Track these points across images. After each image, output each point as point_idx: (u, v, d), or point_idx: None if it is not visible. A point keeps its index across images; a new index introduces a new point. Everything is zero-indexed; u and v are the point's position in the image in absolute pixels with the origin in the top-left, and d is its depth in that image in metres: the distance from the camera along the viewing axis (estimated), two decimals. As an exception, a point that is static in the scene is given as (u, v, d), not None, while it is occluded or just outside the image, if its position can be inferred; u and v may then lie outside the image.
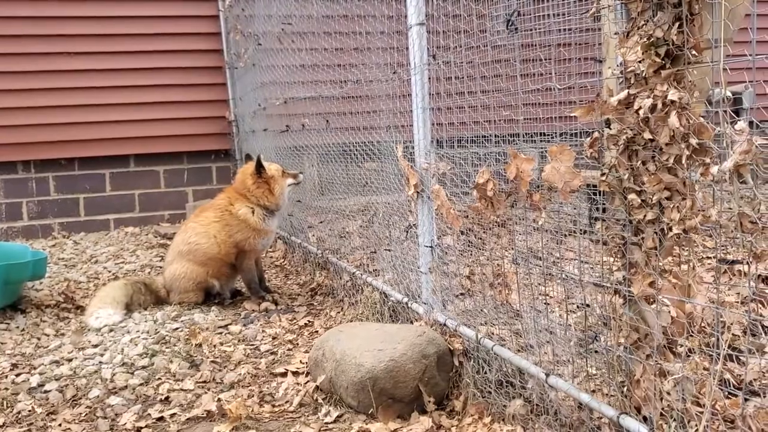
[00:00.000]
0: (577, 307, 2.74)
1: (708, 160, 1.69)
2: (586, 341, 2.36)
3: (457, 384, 2.88)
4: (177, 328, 3.99)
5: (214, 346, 3.72)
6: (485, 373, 2.74)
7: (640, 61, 1.80)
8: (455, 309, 3.14)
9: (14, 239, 7.47)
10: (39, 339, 3.97)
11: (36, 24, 7.49)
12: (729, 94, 1.67)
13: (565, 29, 2.53)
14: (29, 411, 3.01)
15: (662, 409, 1.90)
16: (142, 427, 2.83)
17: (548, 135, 2.55)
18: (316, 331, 3.95)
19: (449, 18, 2.98)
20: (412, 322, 3.30)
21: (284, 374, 3.31)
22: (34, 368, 3.48)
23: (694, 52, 1.72)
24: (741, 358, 2.28)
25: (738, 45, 1.89)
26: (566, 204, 2.23)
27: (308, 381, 3.16)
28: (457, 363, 2.90)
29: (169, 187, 8.19)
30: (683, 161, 1.73)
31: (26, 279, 4.63)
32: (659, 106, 1.75)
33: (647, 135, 1.79)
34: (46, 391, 3.20)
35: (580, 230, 2.32)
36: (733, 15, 1.69)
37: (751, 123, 1.59)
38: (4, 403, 3.08)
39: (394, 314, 3.62)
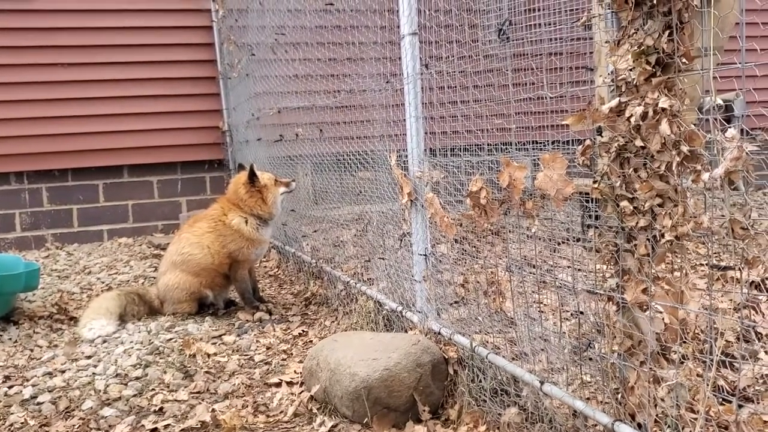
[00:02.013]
0: (571, 314, 2.74)
1: (699, 167, 1.70)
2: (580, 349, 2.36)
3: (452, 393, 2.88)
4: (171, 339, 3.97)
5: (208, 356, 3.71)
6: (480, 381, 2.73)
7: (631, 69, 1.81)
8: (450, 317, 3.14)
9: (7, 251, 7.43)
10: (32, 351, 3.95)
11: (29, 35, 7.48)
12: (720, 102, 1.69)
13: (556, 38, 2.55)
14: (22, 423, 3.00)
15: (656, 415, 1.90)
16: (135, 439, 2.82)
17: (541, 143, 2.56)
18: (311, 341, 3.94)
19: (442, 28, 3.00)
20: (406, 331, 3.30)
21: (278, 384, 3.30)
22: (27, 380, 3.46)
23: (684, 60, 1.73)
24: (734, 364, 2.28)
25: (728, 53, 1.90)
26: (559, 212, 2.24)
27: (303, 391, 3.15)
28: (451, 371, 2.90)
29: (163, 197, 8.17)
30: (674, 168, 1.74)
31: (19, 290, 4.60)
32: (650, 113, 1.76)
33: (639, 142, 1.80)
34: (39, 403, 3.18)
35: (574, 238, 2.33)
36: (723, 23, 1.71)
37: (742, 131, 1.60)
38: (-3, 415, 3.07)
39: (388, 323, 3.62)
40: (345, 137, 4.48)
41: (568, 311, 2.72)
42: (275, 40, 5.68)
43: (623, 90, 1.85)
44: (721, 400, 1.94)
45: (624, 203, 1.89)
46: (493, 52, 2.76)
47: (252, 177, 4.50)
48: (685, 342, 1.88)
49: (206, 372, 3.50)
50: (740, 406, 1.80)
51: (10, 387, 3.38)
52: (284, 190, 4.66)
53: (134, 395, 3.23)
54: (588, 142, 1.98)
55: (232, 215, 4.52)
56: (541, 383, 2.33)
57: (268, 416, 2.97)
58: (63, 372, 3.54)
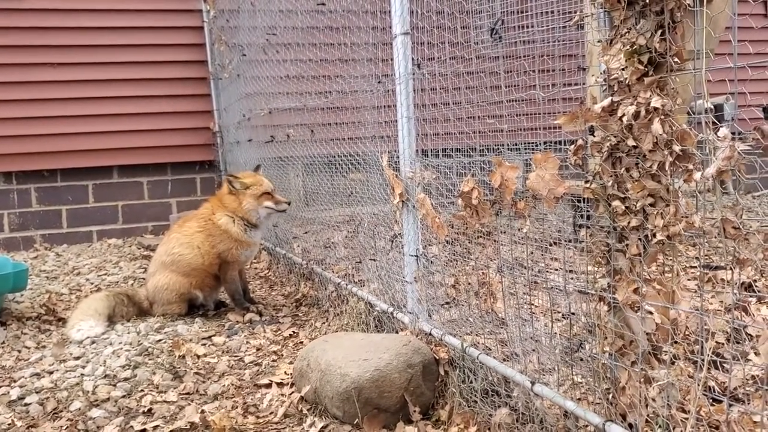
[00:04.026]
0: (563, 315, 2.74)
1: (691, 167, 1.70)
2: (571, 349, 2.36)
3: (443, 393, 2.87)
4: (160, 340, 3.95)
5: (198, 357, 3.69)
6: (471, 382, 2.73)
7: (623, 69, 1.81)
8: (441, 318, 3.13)
9: (-5, 251, 7.39)
10: (19, 351, 3.92)
11: (18, 34, 7.44)
12: (710, 105, 1.69)
13: (549, 37, 2.55)
14: (9, 424, 2.97)
15: (647, 415, 1.90)
16: (124, 440, 2.80)
17: (534, 144, 2.56)
18: (301, 342, 3.92)
19: (434, 29, 2.99)
20: (397, 332, 3.29)
21: (269, 385, 3.28)
22: (14, 381, 3.43)
23: (676, 59, 1.73)
24: (724, 365, 2.29)
25: (720, 57, 1.91)
26: (551, 212, 2.23)
27: (293, 392, 3.13)
28: (442, 372, 2.89)
29: (153, 198, 8.13)
30: (666, 168, 1.74)
31: (7, 291, 4.57)
32: (642, 113, 1.76)
33: (631, 142, 1.80)
34: (26, 404, 3.15)
35: (566, 239, 2.33)
36: (714, 25, 1.71)
37: (733, 133, 1.60)
38: (-17, 416, 3.04)
39: (379, 324, 3.61)
40: (336, 138, 4.47)
41: (559, 312, 2.72)
42: (266, 41, 5.67)
43: (615, 89, 1.85)
44: (711, 400, 1.94)
45: (616, 203, 1.89)
46: (485, 52, 2.76)
47: (232, 185, 4.47)
48: (676, 342, 1.88)
49: (196, 373, 3.47)
50: (730, 406, 1.80)
51: (-3, 388, 3.35)
52: (269, 205, 4.50)
53: (123, 396, 3.21)
54: (580, 141, 1.98)
55: (219, 214, 4.49)
56: (532, 384, 2.33)
57: (258, 417, 2.95)
58: (51, 373, 3.51)
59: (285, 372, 3.39)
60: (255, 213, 4.49)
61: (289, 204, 4.60)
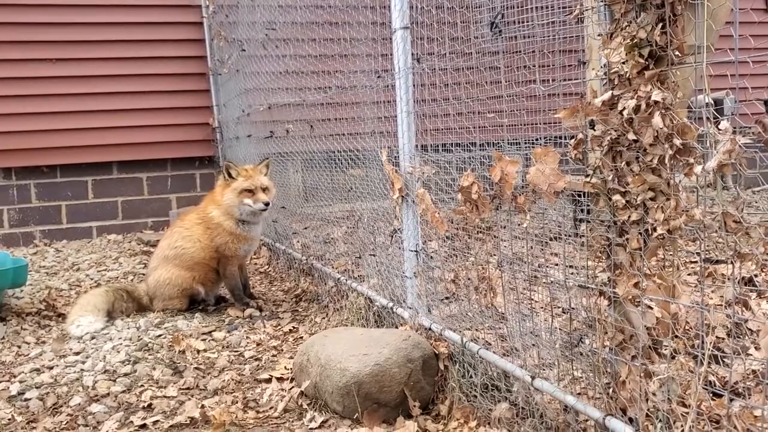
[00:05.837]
0: (563, 310, 2.74)
1: (692, 160, 1.69)
2: (571, 344, 2.36)
3: (443, 388, 2.87)
4: (160, 335, 3.95)
5: (198, 352, 3.69)
6: (470, 377, 2.73)
7: (623, 62, 1.80)
8: (440, 313, 3.13)
9: (-5, 247, 7.38)
10: (19, 347, 3.91)
11: (17, 30, 7.42)
12: (710, 100, 1.68)
13: (548, 31, 2.54)
14: (9, 419, 2.97)
15: (648, 410, 1.89)
16: (124, 435, 2.80)
17: (534, 138, 2.55)
18: (301, 337, 3.92)
19: (434, 23, 2.99)
20: (397, 327, 3.29)
21: (269, 380, 3.28)
22: (14, 376, 3.43)
23: (677, 52, 1.73)
24: (725, 359, 2.29)
25: (721, 51, 1.90)
26: (551, 207, 2.23)
27: (293, 387, 3.13)
28: (442, 367, 2.89)
29: (153, 194, 8.13)
30: (667, 161, 1.74)
31: (6, 287, 4.56)
32: (643, 106, 1.75)
33: (631, 136, 1.80)
34: (26, 399, 3.15)
35: (566, 234, 2.32)
36: (714, 18, 1.70)
37: (734, 127, 1.60)
38: (-17, 411, 3.04)
39: (379, 319, 3.61)
40: (336, 134, 4.45)
41: (559, 307, 2.71)
42: (266, 36, 5.66)
43: (616, 83, 1.84)
44: (712, 394, 1.94)
45: (616, 197, 1.88)
46: (485, 46, 2.75)
47: (229, 173, 4.45)
48: (676, 336, 1.88)
49: (196, 368, 3.47)
50: (731, 400, 1.80)
51: (-4, 383, 3.35)
52: (248, 202, 4.37)
53: (123, 391, 3.21)
54: (580, 135, 1.98)
55: (212, 207, 4.49)
56: (532, 378, 2.33)
57: (258, 412, 2.95)
58: (51, 368, 3.51)
59: (285, 367, 3.39)
60: (236, 208, 4.42)
61: (266, 204, 4.40)
